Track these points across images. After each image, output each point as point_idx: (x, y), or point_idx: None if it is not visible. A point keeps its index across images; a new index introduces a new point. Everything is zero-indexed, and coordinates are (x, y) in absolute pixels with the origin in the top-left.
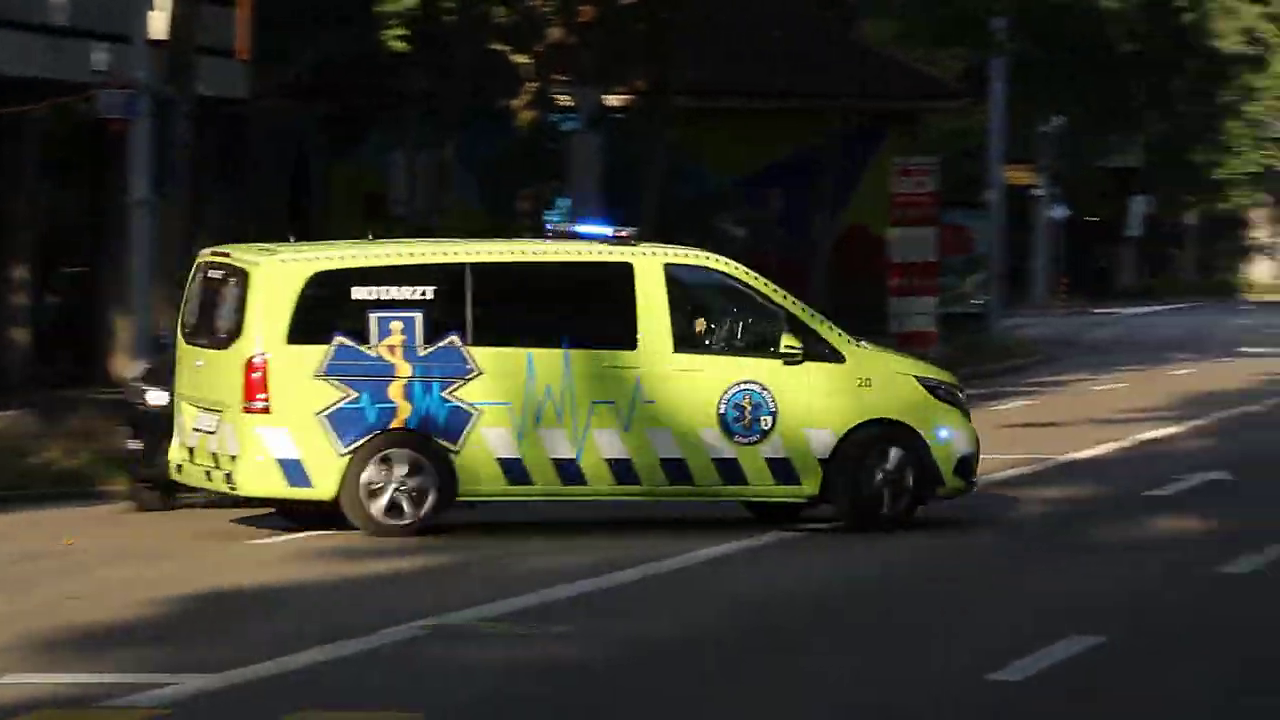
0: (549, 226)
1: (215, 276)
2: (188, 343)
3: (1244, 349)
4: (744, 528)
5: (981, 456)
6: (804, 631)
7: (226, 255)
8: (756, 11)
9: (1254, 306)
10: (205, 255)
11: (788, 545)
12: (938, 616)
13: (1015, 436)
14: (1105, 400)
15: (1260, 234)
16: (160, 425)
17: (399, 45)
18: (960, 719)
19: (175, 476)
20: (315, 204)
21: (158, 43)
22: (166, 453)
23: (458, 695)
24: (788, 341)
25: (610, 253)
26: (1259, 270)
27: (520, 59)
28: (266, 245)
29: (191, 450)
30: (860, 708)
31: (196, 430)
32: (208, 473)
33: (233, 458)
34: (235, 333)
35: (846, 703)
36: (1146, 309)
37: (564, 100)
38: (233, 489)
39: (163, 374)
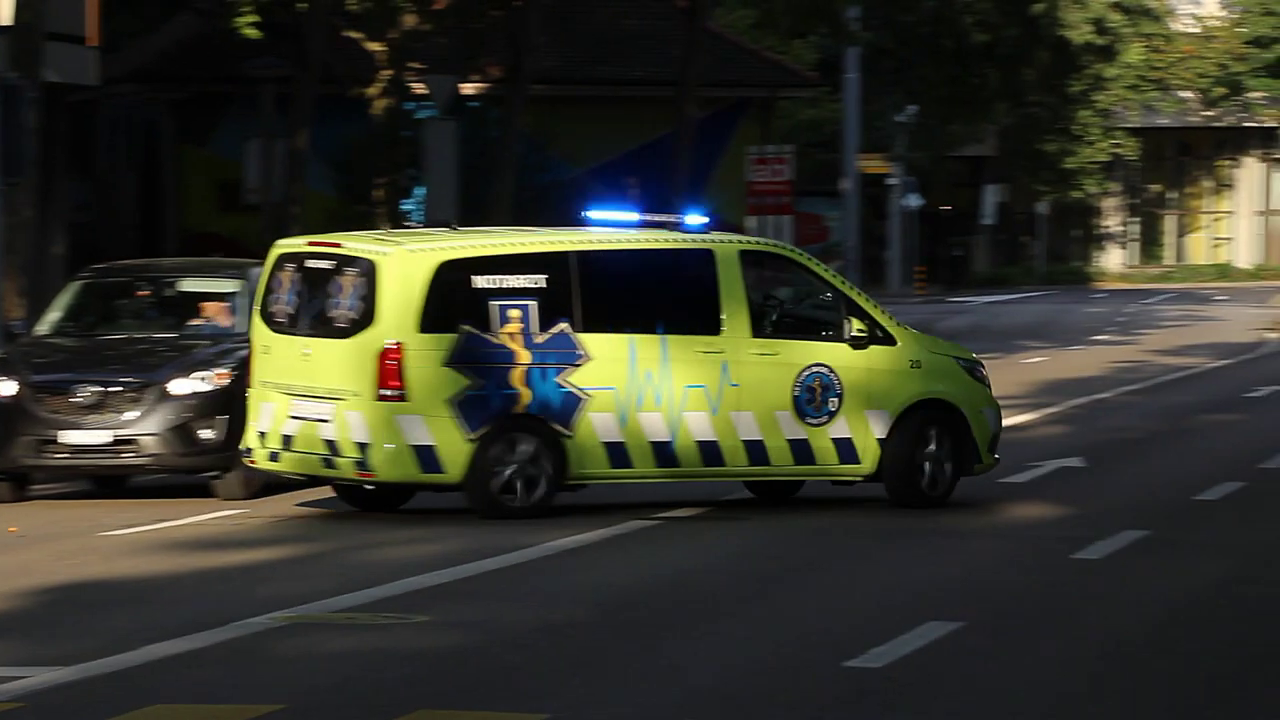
0: (645, 216)
1: (320, 267)
2: (280, 332)
3: (1098, 337)
4: (604, 515)
5: None
6: (661, 619)
7: (336, 245)
8: (611, 0)
9: (1106, 294)
10: (296, 245)
11: (646, 533)
12: (795, 603)
13: None
14: None
15: (1110, 223)
16: (9, 416)
17: (251, 32)
18: (819, 706)
19: (265, 465)
20: (168, 191)
21: (3, 28)
22: (15, 443)
23: (317, 686)
24: (857, 325)
25: (692, 240)
26: (1110, 259)
27: (374, 46)
28: (378, 234)
29: (288, 438)
30: (717, 695)
31: (296, 418)
32: (326, 460)
33: (361, 445)
34: (362, 322)
35: (702, 689)
36: (1001, 297)
37: (419, 88)
38: (366, 475)
39: (12, 364)
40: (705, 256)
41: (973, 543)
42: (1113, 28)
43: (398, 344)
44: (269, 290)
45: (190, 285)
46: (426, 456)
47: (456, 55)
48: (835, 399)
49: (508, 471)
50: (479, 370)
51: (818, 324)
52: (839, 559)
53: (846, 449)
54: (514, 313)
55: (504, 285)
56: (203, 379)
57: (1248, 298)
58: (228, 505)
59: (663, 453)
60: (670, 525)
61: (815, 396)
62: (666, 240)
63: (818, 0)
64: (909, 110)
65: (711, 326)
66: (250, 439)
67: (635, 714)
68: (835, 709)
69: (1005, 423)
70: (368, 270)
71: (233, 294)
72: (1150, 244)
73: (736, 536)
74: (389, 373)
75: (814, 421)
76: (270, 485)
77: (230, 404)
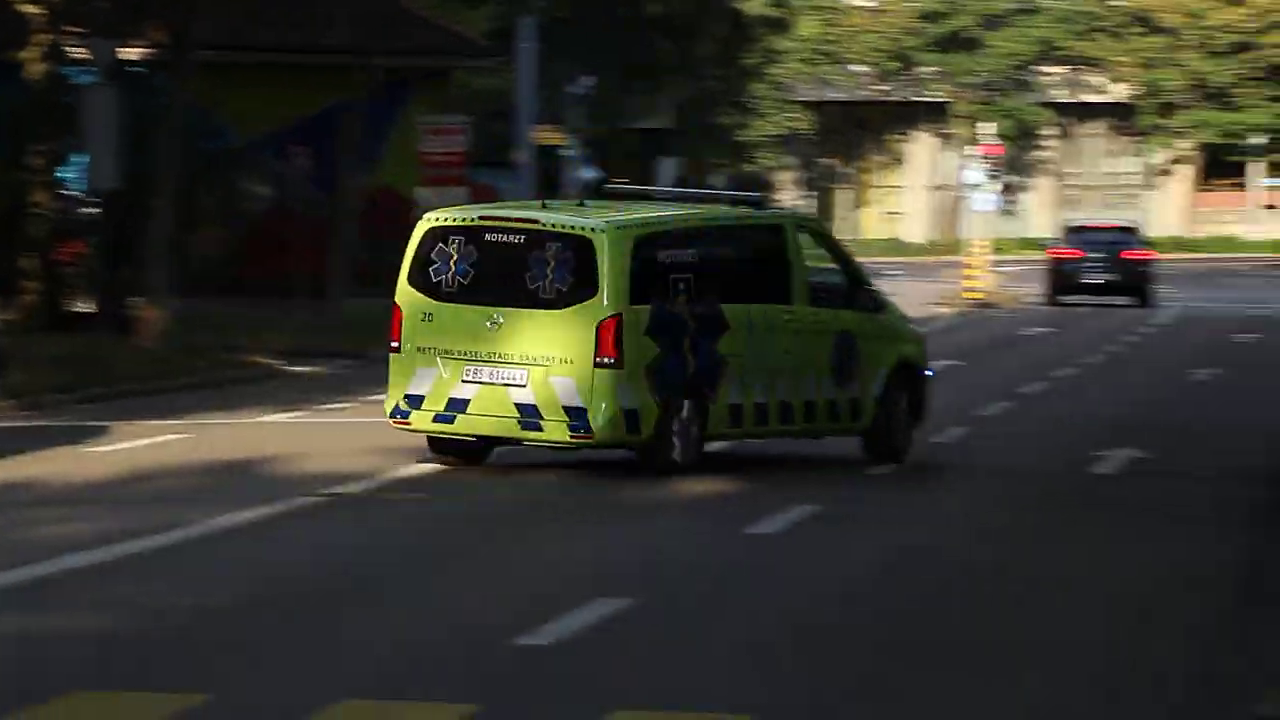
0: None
1: (508, 240)
2: (450, 301)
3: None
4: (267, 492)
5: None
6: (329, 599)
7: (533, 222)
8: None
9: None
10: (463, 218)
11: (313, 511)
12: (461, 582)
13: None
14: None
15: (786, 197)
16: None
17: None
18: (488, 683)
19: (427, 427)
20: None
21: None
22: None
23: None
24: (866, 295)
25: (772, 216)
26: None
27: (30, 9)
28: (558, 205)
29: (461, 402)
30: (384, 674)
31: (474, 383)
32: (525, 423)
33: (573, 409)
34: (574, 294)
35: (369, 669)
36: None
37: (79, 53)
38: (584, 438)
39: None
40: (777, 231)
41: (647, 518)
42: (786, 1)
43: (617, 315)
44: (426, 261)
45: None
46: (631, 419)
47: (118, 19)
48: (854, 362)
49: (675, 432)
50: (664, 340)
51: (835, 293)
52: (508, 536)
53: (856, 408)
54: (682, 284)
55: (676, 259)
56: None
57: (920, 272)
58: None
59: (760, 413)
60: (339, 502)
61: (844, 360)
62: (761, 217)
63: None
64: (585, 81)
65: (787, 296)
66: (399, 402)
67: (299, 694)
68: (503, 686)
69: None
70: (578, 245)
71: None
72: (824, 218)
73: (408, 513)
74: (609, 343)
75: (841, 383)
76: None
77: None
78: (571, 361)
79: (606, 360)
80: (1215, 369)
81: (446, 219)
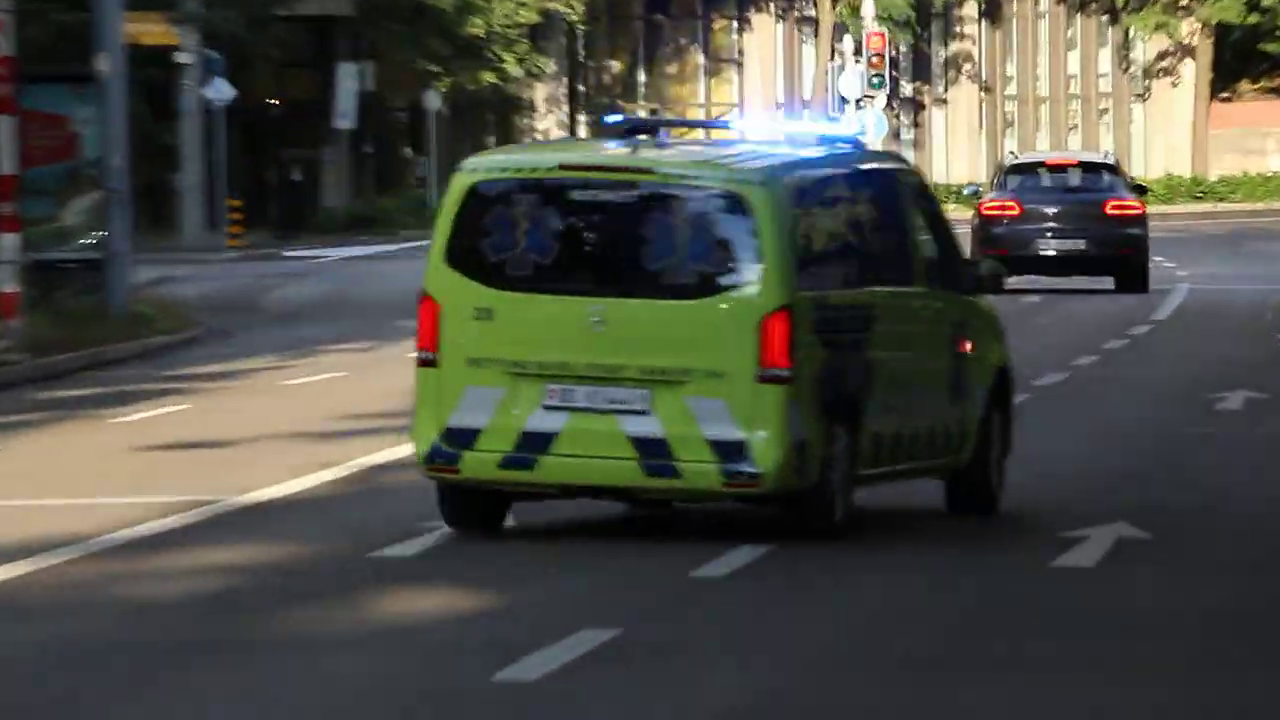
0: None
1: (607, 199)
2: (519, 290)
3: None
4: None
5: (116, 501)
6: None
7: (645, 171)
8: None
9: None
10: (534, 165)
11: None
12: None
13: (161, 465)
14: (307, 401)
15: (545, 124)
16: None
17: None
18: None
19: (493, 475)
20: None
21: None
22: None
23: None
24: (984, 270)
25: (881, 161)
26: None
27: None
28: (664, 150)
29: (544, 437)
30: None
31: (562, 409)
32: (653, 467)
33: (725, 444)
34: (724, 276)
35: None
36: (368, 249)
37: None
38: (747, 486)
39: None
40: (894, 183)
41: (336, 657)
42: None
43: (788, 306)
44: (476, 231)
45: None
46: (801, 456)
47: None
48: (966, 369)
49: (834, 475)
50: (825, 341)
51: (936, 268)
52: (114, 688)
53: (962, 435)
54: (837, 258)
55: (825, 224)
56: None
57: None
58: None
59: (895, 445)
60: None
61: (958, 367)
62: (879, 164)
63: None
64: None
65: (908, 274)
66: (437, 440)
67: None
68: None
69: (384, 456)
70: (724, 204)
71: None
72: None
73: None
74: (780, 346)
75: (954, 398)
76: None
77: None
78: (722, 375)
79: (776, 372)
80: (1250, 392)
81: (505, 170)
